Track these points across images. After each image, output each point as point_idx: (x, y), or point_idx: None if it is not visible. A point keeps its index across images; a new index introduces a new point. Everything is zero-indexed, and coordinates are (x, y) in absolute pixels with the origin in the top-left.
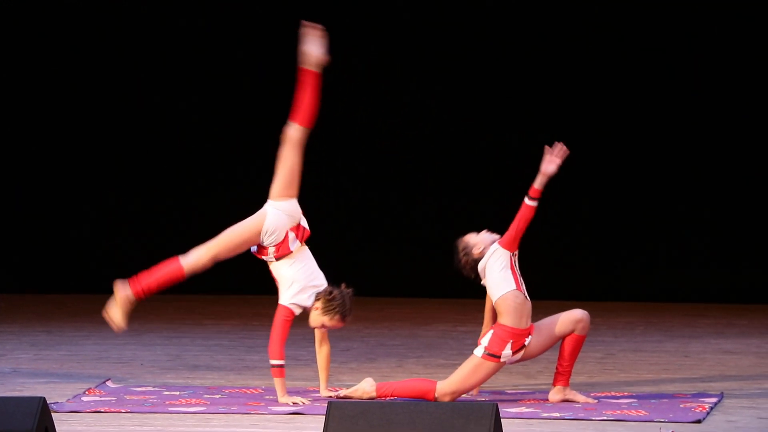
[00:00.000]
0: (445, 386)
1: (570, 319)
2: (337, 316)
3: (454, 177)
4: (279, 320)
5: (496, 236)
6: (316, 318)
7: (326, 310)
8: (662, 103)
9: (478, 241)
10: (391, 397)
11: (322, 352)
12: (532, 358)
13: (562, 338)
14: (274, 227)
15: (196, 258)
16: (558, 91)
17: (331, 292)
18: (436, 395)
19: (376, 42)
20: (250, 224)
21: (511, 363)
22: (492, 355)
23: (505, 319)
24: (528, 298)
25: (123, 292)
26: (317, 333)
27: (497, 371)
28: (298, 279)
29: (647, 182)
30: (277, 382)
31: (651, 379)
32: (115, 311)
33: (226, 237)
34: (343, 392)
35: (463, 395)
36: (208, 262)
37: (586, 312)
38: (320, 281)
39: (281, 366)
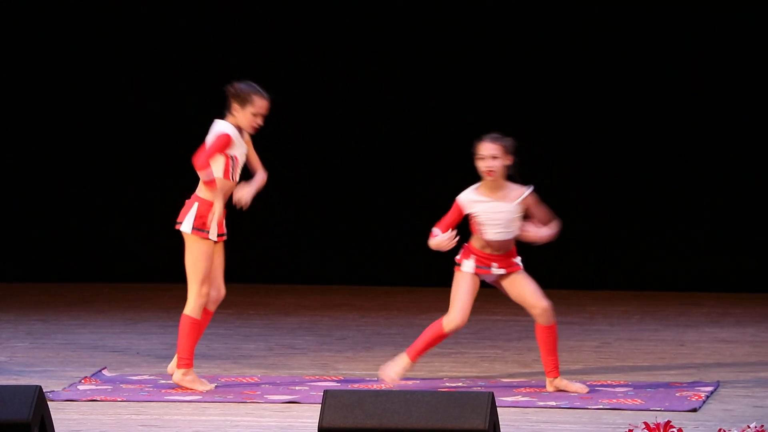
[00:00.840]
0: (446, 317)
1: (532, 301)
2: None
3: (452, 166)
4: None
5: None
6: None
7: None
8: (657, 93)
9: None
10: (421, 355)
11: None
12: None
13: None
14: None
15: None
16: (553, 82)
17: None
18: (445, 330)
19: (374, 39)
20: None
21: (490, 281)
22: (457, 264)
23: (474, 240)
24: (492, 240)
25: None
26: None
27: (472, 284)
28: None
29: (643, 171)
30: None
31: (647, 367)
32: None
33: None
34: (394, 379)
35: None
36: None
37: (547, 304)
38: None
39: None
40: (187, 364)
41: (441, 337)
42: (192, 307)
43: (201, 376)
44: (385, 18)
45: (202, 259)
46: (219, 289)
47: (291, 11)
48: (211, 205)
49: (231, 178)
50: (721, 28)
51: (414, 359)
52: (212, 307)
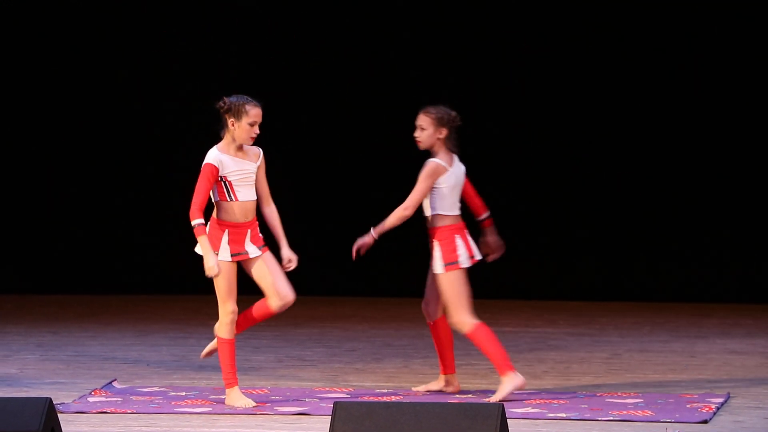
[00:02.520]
0: (451, 318)
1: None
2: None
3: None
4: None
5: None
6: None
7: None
8: (669, 102)
9: None
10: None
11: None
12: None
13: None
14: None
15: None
16: (561, 88)
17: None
18: (464, 331)
19: (372, 37)
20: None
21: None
22: (451, 263)
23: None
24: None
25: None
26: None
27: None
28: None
29: (653, 181)
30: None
31: (657, 379)
32: None
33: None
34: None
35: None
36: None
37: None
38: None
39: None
40: (228, 383)
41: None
42: (218, 326)
43: (212, 388)
44: (397, 22)
45: (218, 279)
46: (282, 297)
47: (305, 16)
48: (224, 226)
49: (231, 198)
50: (735, 34)
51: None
52: (275, 307)
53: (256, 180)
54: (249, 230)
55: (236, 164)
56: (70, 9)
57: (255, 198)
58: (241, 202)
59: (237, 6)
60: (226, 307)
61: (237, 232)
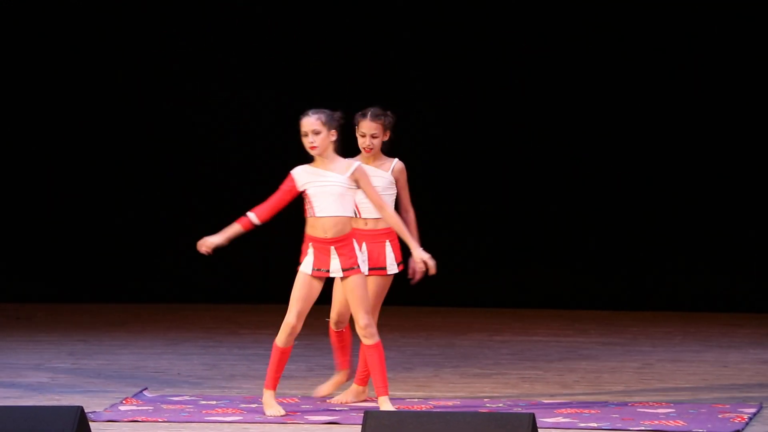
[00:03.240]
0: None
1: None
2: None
3: (490, 185)
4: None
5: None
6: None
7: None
8: (705, 110)
9: None
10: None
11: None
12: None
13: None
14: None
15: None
16: (577, 98)
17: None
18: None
19: (373, 39)
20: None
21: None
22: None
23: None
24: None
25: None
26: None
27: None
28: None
29: (686, 192)
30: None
31: (689, 388)
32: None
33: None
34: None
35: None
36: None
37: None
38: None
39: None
40: (266, 385)
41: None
42: (279, 333)
43: (242, 396)
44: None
45: (294, 287)
46: (356, 321)
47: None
48: (309, 239)
49: (310, 213)
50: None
51: None
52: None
53: (363, 191)
54: (332, 247)
55: (313, 176)
56: (70, 9)
57: (341, 213)
58: (318, 217)
59: (237, 6)
60: (288, 316)
61: (320, 248)
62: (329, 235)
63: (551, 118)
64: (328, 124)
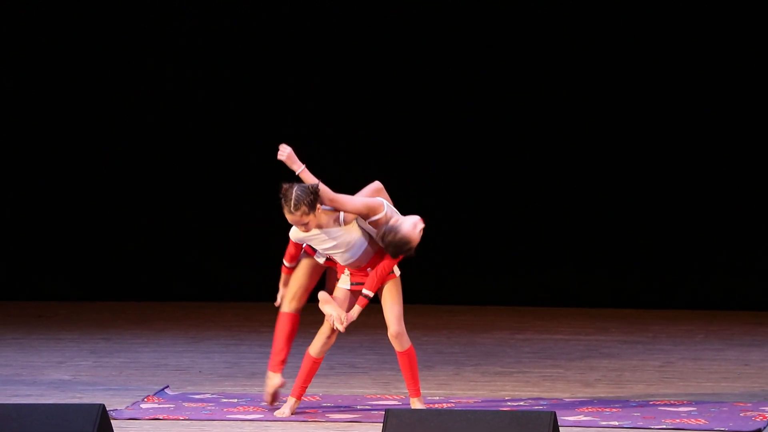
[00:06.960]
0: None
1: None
2: (284, 209)
3: (513, 184)
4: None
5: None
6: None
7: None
8: (731, 108)
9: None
10: None
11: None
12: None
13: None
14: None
15: None
16: (587, 105)
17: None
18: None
19: (373, 39)
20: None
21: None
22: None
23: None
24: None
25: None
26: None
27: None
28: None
29: (707, 189)
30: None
31: (710, 387)
32: None
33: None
34: None
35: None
36: None
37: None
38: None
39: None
40: (291, 393)
41: None
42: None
43: (260, 395)
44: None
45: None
46: (388, 326)
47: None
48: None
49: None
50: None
51: None
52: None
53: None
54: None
55: (322, 241)
56: (71, 9)
57: (359, 255)
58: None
59: (238, 6)
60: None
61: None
62: (363, 265)
63: (583, 118)
64: (310, 207)
